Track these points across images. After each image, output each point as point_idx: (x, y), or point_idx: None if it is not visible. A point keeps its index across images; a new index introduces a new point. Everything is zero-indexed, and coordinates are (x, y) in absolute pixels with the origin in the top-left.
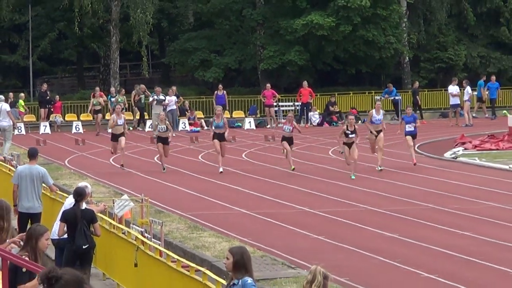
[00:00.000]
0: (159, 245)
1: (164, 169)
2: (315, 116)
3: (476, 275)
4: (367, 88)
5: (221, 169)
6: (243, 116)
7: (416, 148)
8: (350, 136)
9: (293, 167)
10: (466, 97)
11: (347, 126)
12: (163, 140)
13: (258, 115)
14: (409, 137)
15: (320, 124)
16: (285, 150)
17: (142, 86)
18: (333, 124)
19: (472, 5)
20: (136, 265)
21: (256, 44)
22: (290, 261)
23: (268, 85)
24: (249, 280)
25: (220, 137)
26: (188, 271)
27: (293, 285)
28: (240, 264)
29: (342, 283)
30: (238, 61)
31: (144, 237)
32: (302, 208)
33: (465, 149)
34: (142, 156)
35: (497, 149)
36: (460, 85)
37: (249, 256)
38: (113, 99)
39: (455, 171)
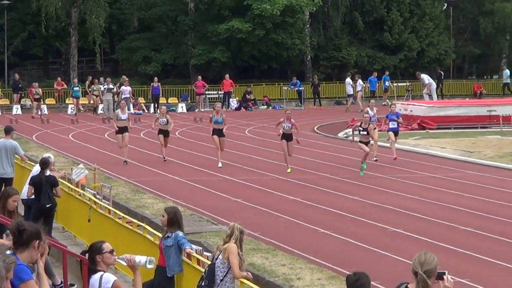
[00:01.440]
0: (108, 204)
1: (164, 159)
2: (233, 102)
3: (363, 232)
4: (277, 81)
5: (220, 164)
6: (177, 101)
7: (315, 129)
8: (362, 133)
9: (289, 169)
10: (359, 88)
11: (361, 123)
12: (164, 132)
13: (189, 101)
14: (391, 133)
15: (237, 109)
16: (284, 150)
17: (104, 78)
18: (248, 109)
19: (361, 15)
20: (89, 220)
21: (187, 44)
22: (213, 218)
23: (199, 77)
24: (180, 233)
25: (219, 132)
26: (131, 226)
27: (215, 238)
28: (173, 220)
29: (254, 237)
30: (173, 58)
31: (96, 198)
32: (224, 176)
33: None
34: (95, 133)
35: (380, 130)
36: (354, 79)
37: (180, 215)
38: (75, 88)
39: (346, 148)
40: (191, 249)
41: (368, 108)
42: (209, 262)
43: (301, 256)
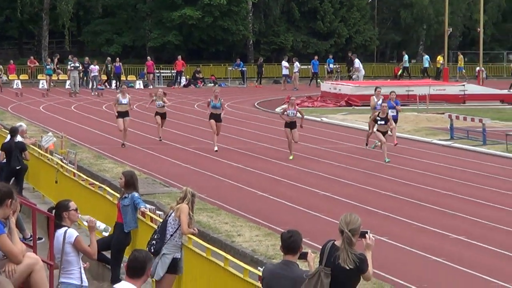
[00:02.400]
0: (73, 168)
1: (160, 139)
2: (183, 80)
3: (297, 195)
4: (223, 62)
5: (216, 148)
6: (135, 79)
7: (255, 105)
8: (380, 123)
9: (291, 157)
10: (295, 70)
11: (379, 113)
12: (162, 115)
13: (145, 79)
14: (391, 121)
15: (186, 86)
16: (288, 138)
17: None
18: (197, 86)
19: (297, 5)
20: (56, 182)
21: (145, 29)
22: (165, 182)
23: (149, 57)
24: (136, 194)
25: (216, 117)
26: (93, 187)
27: (167, 198)
28: (130, 183)
29: (201, 198)
30: (132, 40)
31: (63, 162)
32: (176, 145)
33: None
34: (63, 106)
35: (313, 107)
36: (291, 61)
37: (136, 178)
38: (48, 67)
39: (282, 121)
40: (145, 208)
41: (374, 97)
42: (160, 220)
43: (242, 215)
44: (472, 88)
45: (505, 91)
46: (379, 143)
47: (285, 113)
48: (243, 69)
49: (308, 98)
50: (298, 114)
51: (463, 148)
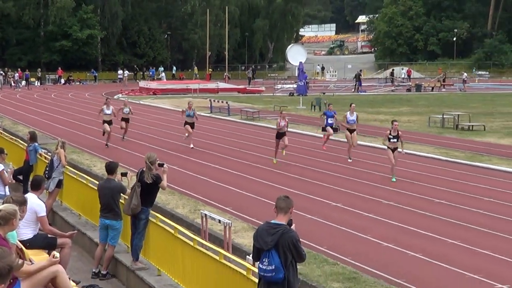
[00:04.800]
0: (1, 129)
1: (123, 138)
2: (62, 80)
3: (181, 163)
4: (85, 71)
5: (191, 146)
6: (35, 80)
7: (103, 94)
8: (392, 140)
9: (275, 160)
10: (125, 75)
11: (390, 131)
12: (126, 120)
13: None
14: (329, 128)
15: (64, 84)
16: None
17: None
18: (70, 84)
19: (125, 38)
20: None
21: (40, 52)
22: (53, 137)
23: (59, 67)
24: (36, 144)
25: (191, 124)
26: (13, 140)
27: (53, 146)
28: (33, 137)
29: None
30: (33, 58)
31: None
32: (59, 116)
33: (123, 94)
34: None
35: (134, 95)
36: (123, 70)
37: (36, 135)
38: None
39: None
40: (41, 151)
41: (348, 112)
42: (49, 158)
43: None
44: (222, 85)
45: (241, 86)
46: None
47: (279, 124)
48: (95, 74)
49: (131, 91)
50: (286, 127)
51: (217, 118)
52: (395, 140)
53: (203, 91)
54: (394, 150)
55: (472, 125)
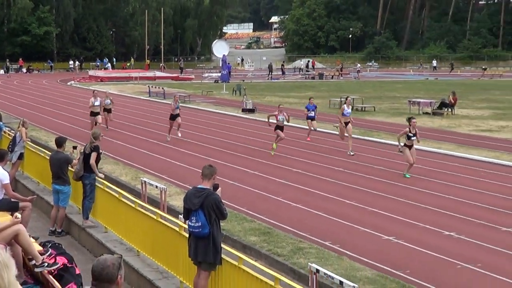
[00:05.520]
0: None
1: (107, 128)
2: (24, 69)
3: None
4: (43, 62)
5: (179, 134)
6: None
7: (58, 81)
8: (412, 138)
9: (273, 152)
10: (76, 65)
11: (409, 129)
12: (108, 110)
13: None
14: (309, 121)
15: (25, 73)
16: (278, 136)
17: None
18: (31, 73)
19: (77, 34)
20: None
21: (4, 46)
22: (16, 117)
23: (20, 58)
24: (1, 122)
25: (175, 116)
26: None
27: (16, 125)
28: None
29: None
30: None
31: None
32: (22, 100)
33: (76, 81)
34: None
35: (85, 82)
36: (75, 61)
37: (1, 115)
38: None
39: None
40: (5, 129)
41: (345, 105)
42: (12, 135)
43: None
44: (159, 74)
45: (175, 75)
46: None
47: (278, 118)
48: (51, 64)
49: (83, 78)
50: (285, 121)
51: (155, 101)
52: (414, 137)
53: (142, 79)
54: (410, 147)
55: (365, 107)
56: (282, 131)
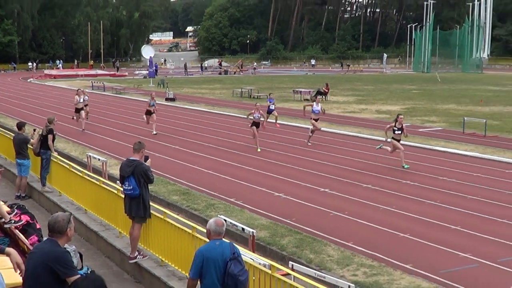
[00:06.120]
0: None
1: (83, 130)
2: None
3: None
4: (11, 63)
5: (155, 132)
6: None
7: (20, 78)
8: (396, 132)
9: (259, 149)
10: (34, 65)
11: (395, 123)
12: (80, 109)
13: None
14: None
15: None
16: (254, 133)
17: None
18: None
19: (38, 38)
20: None
21: None
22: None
23: None
24: None
25: (150, 112)
26: None
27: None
28: None
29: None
30: None
31: None
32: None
33: (34, 78)
34: None
35: (45, 79)
36: (33, 62)
37: None
38: None
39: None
40: None
41: (314, 103)
42: None
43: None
44: (100, 72)
45: (112, 73)
46: (388, 148)
47: (254, 116)
48: (15, 65)
49: (39, 76)
50: (262, 118)
51: (97, 93)
52: (400, 132)
53: (87, 76)
54: (398, 140)
55: (260, 95)
56: (257, 128)
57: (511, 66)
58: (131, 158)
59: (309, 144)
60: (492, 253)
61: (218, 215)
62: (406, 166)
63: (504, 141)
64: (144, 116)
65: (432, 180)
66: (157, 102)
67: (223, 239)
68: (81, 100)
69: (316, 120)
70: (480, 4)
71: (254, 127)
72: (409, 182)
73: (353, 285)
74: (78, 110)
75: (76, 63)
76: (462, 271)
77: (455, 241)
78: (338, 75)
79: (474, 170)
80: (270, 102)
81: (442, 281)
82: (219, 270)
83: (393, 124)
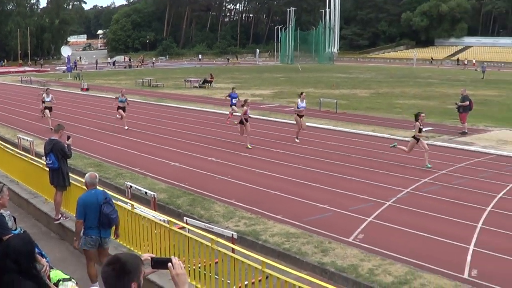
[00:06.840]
0: None
1: (51, 128)
2: None
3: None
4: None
5: (126, 127)
6: None
7: None
8: (423, 131)
9: (249, 146)
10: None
11: (419, 123)
12: (49, 108)
13: None
14: (234, 107)
15: None
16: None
17: None
18: None
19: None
20: None
21: None
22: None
23: None
24: None
25: (123, 108)
26: None
27: None
28: None
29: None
30: None
31: None
32: None
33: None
34: None
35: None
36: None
37: None
38: None
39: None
40: None
41: (299, 100)
42: None
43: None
44: (28, 69)
45: (37, 69)
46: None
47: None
48: (2, 63)
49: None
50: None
51: (26, 86)
52: (424, 130)
53: (17, 72)
54: (418, 140)
55: (157, 84)
56: (243, 124)
57: (354, 58)
58: (51, 138)
59: (297, 140)
60: (344, 204)
61: (125, 182)
62: (429, 166)
63: (351, 116)
64: (118, 114)
65: (295, 148)
66: (74, 92)
67: (97, 187)
68: (48, 99)
69: (300, 116)
70: (330, 11)
71: (242, 124)
72: (278, 150)
73: (235, 233)
74: (48, 109)
75: (5, 62)
76: (321, 218)
77: (315, 196)
78: (221, 67)
79: (328, 139)
80: (232, 96)
81: (305, 227)
82: (96, 212)
83: (418, 124)
